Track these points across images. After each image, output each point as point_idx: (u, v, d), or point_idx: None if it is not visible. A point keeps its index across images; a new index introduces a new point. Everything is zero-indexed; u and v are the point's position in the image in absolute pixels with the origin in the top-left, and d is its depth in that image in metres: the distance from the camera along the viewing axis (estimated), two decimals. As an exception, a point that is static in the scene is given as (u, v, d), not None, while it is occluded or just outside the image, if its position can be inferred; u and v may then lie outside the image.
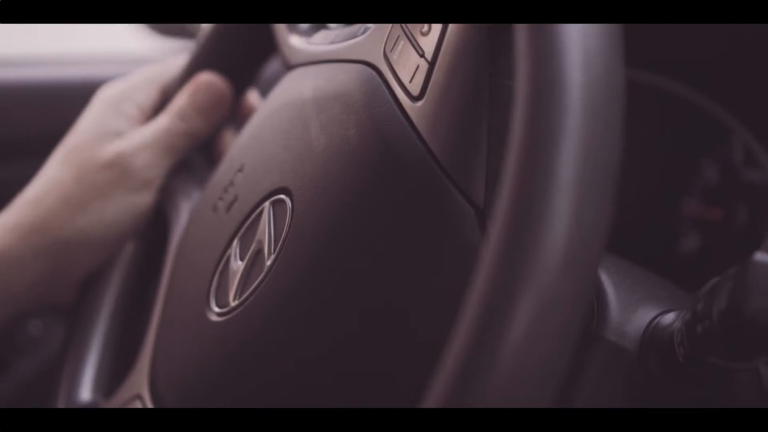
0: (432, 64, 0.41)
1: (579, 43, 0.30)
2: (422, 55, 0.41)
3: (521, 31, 0.31)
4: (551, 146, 0.28)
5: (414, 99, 0.41)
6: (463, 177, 0.39)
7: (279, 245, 0.43)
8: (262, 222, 0.45)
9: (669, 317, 0.38)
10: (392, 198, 0.40)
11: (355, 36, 0.47)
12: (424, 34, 0.42)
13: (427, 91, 0.41)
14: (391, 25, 0.44)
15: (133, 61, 0.99)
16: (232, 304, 0.45)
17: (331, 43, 0.49)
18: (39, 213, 0.56)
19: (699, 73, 0.57)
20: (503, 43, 0.39)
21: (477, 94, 0.39)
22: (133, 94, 0.60)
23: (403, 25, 0.43)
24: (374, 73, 0.44)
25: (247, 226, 0.47)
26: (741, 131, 0.58)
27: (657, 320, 0.38)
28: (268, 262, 0.43)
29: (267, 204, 0.46)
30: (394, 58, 0.43)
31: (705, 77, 0.58)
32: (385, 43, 0.44)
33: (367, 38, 0.46)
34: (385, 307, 0.40)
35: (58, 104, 0.88)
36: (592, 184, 0.28)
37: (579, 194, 0.28)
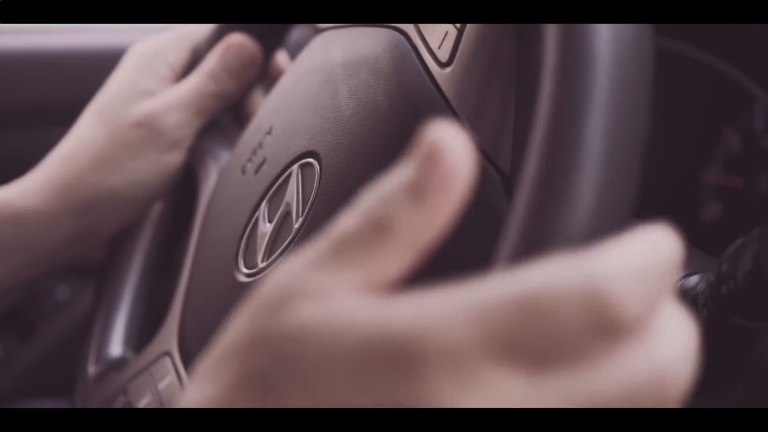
0: (461, 30, 0.41)
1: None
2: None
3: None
4: (578, 118, 0.28)
5: (442, 65, 0.42)
6: (490, 144, 0.39)
7: (307, 208, 0.44)
8: (290, 185, 0.46)
9: (693, 279, 0.38)
10: None
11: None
12: None
13: (456, 58, 0.41)
14: None
15: (153, 28, 0.98)
16: (261, 265, 0.45)
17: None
18: (71, 171, 0.57)
19: (722, 39, 0.57)
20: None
21: (505, 61, 0.39)
22: (165, 54, 0.60)
23: None
24: (403, 38, 0.44)
25: (275, 189, 0.47)
26: (763, 99, 0.58)
27: (681, 282, 0.39)
28: (296, 225, 0.44)
29: (295, 167, 0.46)
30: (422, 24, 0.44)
31: (728, 44, 0.58)
32: None
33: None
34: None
35: (79, 71, 0.88)
36: (618, 156, 0.28)
37: (605, 166, 0.28)
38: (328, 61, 0.48)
